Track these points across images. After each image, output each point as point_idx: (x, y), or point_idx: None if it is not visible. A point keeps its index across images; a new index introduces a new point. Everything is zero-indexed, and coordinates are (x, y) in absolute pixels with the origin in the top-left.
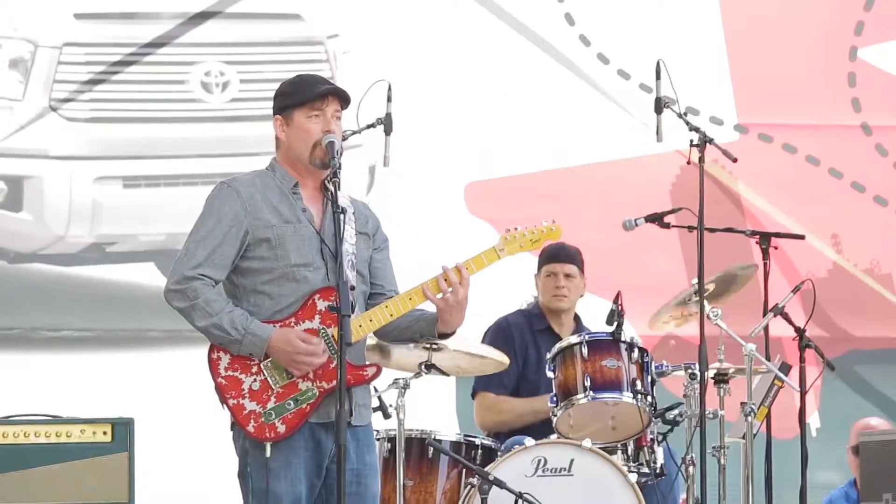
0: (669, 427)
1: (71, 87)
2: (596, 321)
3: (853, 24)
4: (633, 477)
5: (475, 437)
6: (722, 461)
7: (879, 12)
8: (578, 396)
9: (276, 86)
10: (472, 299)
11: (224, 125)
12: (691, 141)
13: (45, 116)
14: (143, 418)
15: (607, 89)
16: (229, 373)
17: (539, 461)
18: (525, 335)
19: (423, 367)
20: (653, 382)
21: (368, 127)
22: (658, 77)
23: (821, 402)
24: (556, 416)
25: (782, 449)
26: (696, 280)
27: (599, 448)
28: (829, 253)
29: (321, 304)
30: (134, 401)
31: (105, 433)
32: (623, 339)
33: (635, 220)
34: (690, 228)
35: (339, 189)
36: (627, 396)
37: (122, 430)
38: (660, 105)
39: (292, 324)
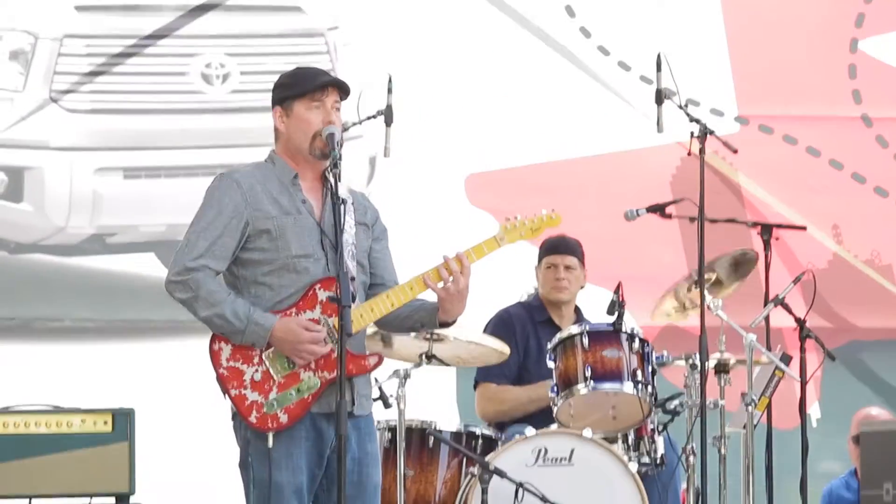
0: (670, 417)
1: (71, 79)
2: (597, 312)
3: (854, 15)
4: (634, 467)
5: (476, 427)
6: (722, 451)
7: (880, 4)
8: (579, 386)
9: (277, 78)
10: (472, 290)
11: (224, 116)
12: (692, 132)
13: (46, 108)
14: (144, 408)
15: (608, 81)
16: (231, 364)
17: (539, 451)
18: (526, 326)
19: (423, 357)
20: (653, 372)
21: (369, 118)
22: (659, 69)
23: (821, 392)
24: (556, 405)
25: (783, 439)
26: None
27: (600, 438)
28: (830, 244)
29: (322, 295)
30: (134, 391)
31: (106, 423)
32: (624, 329)
33: (637, 210)
34: (691, 219)
35: (339, 180)
36: (628, 386)
37: (123, 420)
38: (660, 97)
39: (293, 314)
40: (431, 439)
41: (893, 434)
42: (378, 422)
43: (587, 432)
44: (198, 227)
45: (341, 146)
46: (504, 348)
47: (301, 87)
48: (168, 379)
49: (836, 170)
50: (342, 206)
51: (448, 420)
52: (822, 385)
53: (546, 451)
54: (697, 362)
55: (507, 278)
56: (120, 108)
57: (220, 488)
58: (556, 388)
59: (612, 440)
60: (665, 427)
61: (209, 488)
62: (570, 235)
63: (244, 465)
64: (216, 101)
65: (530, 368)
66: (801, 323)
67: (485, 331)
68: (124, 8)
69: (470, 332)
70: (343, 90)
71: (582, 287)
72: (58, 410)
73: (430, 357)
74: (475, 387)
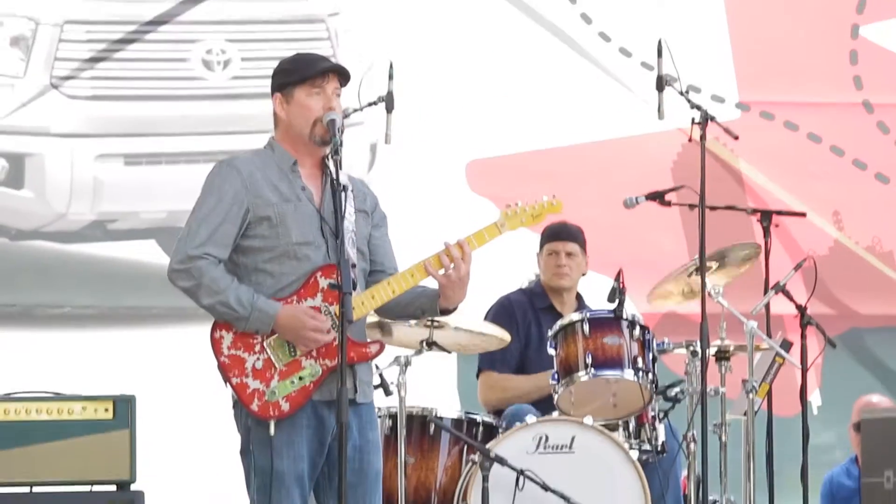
0: (671, 404)
1: (72, 65)
2: (598, 299)
3: (855, 1)
4: (635, 454)
5: (476, 414)
6: (723, 438)
7: None
8: (580, 374)
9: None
10: (473, 277)
11: (225, 103)
12: (693, 119)
13: (47, 94)
14: (145, 395)
15: (609, 67)
16: (232, 352)
17: (540, 438)
18: (527, 313)
19: (424, 344)
20: (654, 360)
21: (370, 104)
22: (660, 55)
23: (822, 379)
24: (557, 393)
25: (784, 426)
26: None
27: (601, 425)
28: (831, 230)
29: (323, 282)
30: (136, 378)
31: (107, 410)
32: (624, 316)
33: (636, 198)
34: (691, 206)
35: (340, 167)
36: (629, 373)
37: (124, 407)
38: (661, 83)
39: (294, 301)
40: (432, 426)
41: (894, 421)
42: (379, 409)
43: (588, 419)
44: (199, 216)
45: (342, 133)
46: (504, 335)
47: (302, 74)
48: (169, 366)
49: (837, 156)
50: (343, 193)
51: (449, 407)
52: (822, 372)
53: (547, 438)
54: (698, 349)
55: (508, 265)
56: (121, 95)
57: (221, 476)
58: (556, 376)
59: (613, 427)
60: (666, 414)
61: (210, 476)
62: (571, 222)
63: (245, 453)
64: (217, 88)
65: (532, 355)
66: (801, 310)
67: (486, 318)
68: None
69: (470, 320)
70: (344, 76)
71: (583, 274)
72: (59, 397)
73: (431, 344)
74: (478, 375)
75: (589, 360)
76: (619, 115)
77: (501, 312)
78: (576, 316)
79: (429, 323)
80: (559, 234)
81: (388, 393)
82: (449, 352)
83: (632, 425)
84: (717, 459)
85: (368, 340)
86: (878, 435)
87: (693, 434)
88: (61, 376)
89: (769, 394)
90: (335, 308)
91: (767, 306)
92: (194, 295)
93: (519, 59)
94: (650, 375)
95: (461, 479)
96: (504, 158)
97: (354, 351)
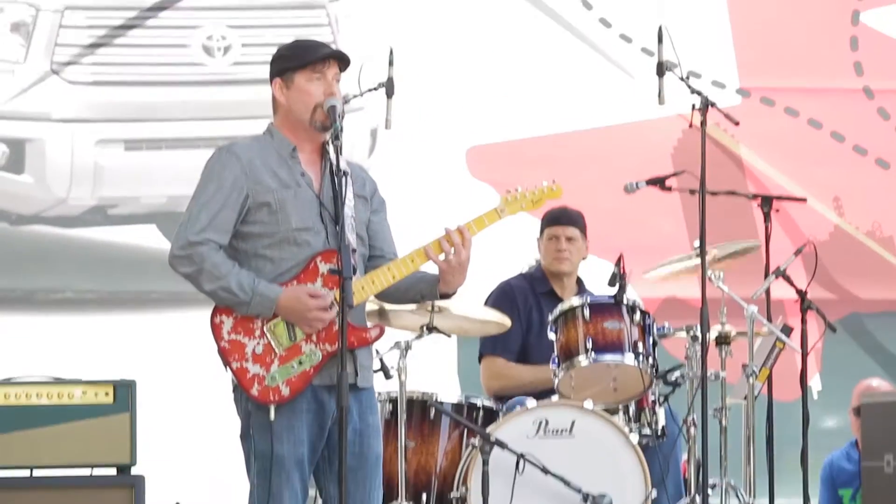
0: (671, 388)
1: (73, 51)
2: (598, 284)
3: None
4: (635, 438)
5: (477, 398)
6: (723, 423)
7: None
8: (580, 358)
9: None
10: (473, 262)
11: (225, 88)
12: (693, 105)
13: (47, 79)
14: (145, 380)
15: (609, 53)
16: (232, 337)
17: (540, 422)
18: (528, 298)
19: (424, 328)
20: (654, 344)
21: (370, 90)
22: (660, 41)
23: (822, 364)
24: (557, 377)
25: (784, 411)
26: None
27: (601, 409)
28: (831, 216)
29: (323, 267)
30: (136, 362)
31: (107, 394)
32: (625, 301)
33: (637, 183)
34: (692, 191)
35: (340, 153)
36: (629, 358)
37: (124, 392)
38: (662, 69)
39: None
40: (432, 411)
41: (894, 405)
42: (379, 393)
43: (588, 404)
44: (199, 202)
45: (342, 118)
46: (504, 320)
47: (302, 59)
48: (169, 350)
49: (838, 142)
50: (343, 179)
51: (449, 391)
52: (823, 357)
53: (547, 422)
54: (698, 334)
55: (509, 250)
56: (121, 80)
57: (221, 460)
58: (557, 360)
59: (613, 412)
60: (666, 398)
61: (210, 460)
62: (572, 207)
63: (245, 437)
64: (217, 73)
65: (532, 341)
66: (802, 294)
67: (486, 303)
68: None
69: (470, 306)
70: (344, 62)
71: (584, 258)
72: (59, 382)
73: (432, 328)
74: (480, 359)
75: (589, 345)
76: (620, 100)
77: (502, 297)
78: (576, 301)
79: (429, 308)
80: (559, 219)
81: (388, 377)
82: (449, 335)
83: (632, 409)
84: (718, 443)
85: (369, 325)
86: (878, 419)
87: (693, 418)
88: (62, 361)
89: (769, 378)
90: (335, 293)
91: (768, 291)
92: (196, 280)
93: (519, 46)
94: (650, 360)
95: (461, 463)
96: (504, 144)
97: (354, 335)
